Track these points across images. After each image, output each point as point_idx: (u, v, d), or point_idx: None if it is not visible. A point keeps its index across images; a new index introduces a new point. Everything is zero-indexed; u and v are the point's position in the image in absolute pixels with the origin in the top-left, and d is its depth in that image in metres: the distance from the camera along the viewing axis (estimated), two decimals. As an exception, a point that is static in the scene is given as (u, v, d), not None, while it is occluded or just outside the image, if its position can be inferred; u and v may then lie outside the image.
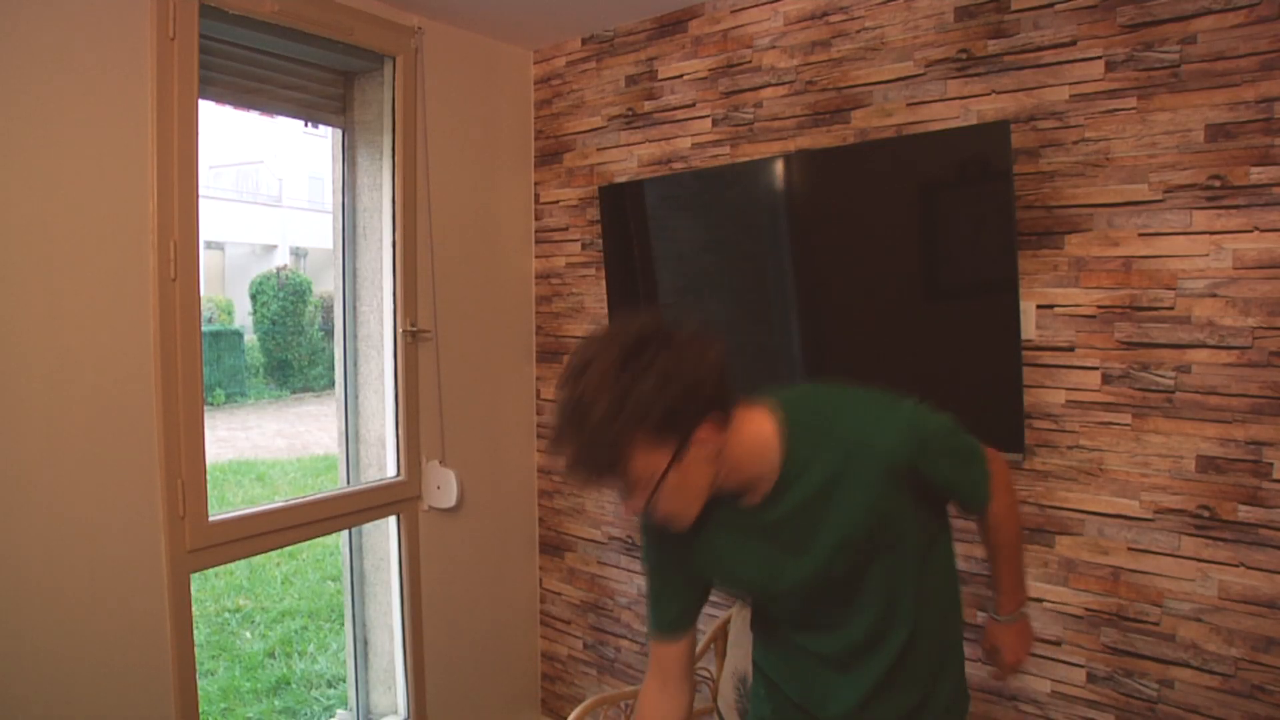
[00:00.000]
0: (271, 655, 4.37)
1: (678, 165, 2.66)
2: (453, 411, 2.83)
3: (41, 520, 1.87)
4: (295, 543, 2.46)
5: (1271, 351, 1.74)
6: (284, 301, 12.91)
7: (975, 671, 1.82)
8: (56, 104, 1.87)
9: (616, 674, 2.98)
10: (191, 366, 2.11)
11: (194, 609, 2.17)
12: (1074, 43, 1.93)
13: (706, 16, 2.57)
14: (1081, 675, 2.01)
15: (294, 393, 12.76)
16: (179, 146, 2.06)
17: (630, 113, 2.78)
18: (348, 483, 2.77)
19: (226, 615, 4.89)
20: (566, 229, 3.00)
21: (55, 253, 1.89)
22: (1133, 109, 1.86)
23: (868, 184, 2.20)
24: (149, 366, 2.04)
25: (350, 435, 2.80)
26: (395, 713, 2.77)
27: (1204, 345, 1.82)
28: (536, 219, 3.10)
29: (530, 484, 3.15)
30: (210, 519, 2.16)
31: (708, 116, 2.59)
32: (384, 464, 2.73)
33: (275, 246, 16.17)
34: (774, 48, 2.43)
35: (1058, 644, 2.03)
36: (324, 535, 2.58)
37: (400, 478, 2.69)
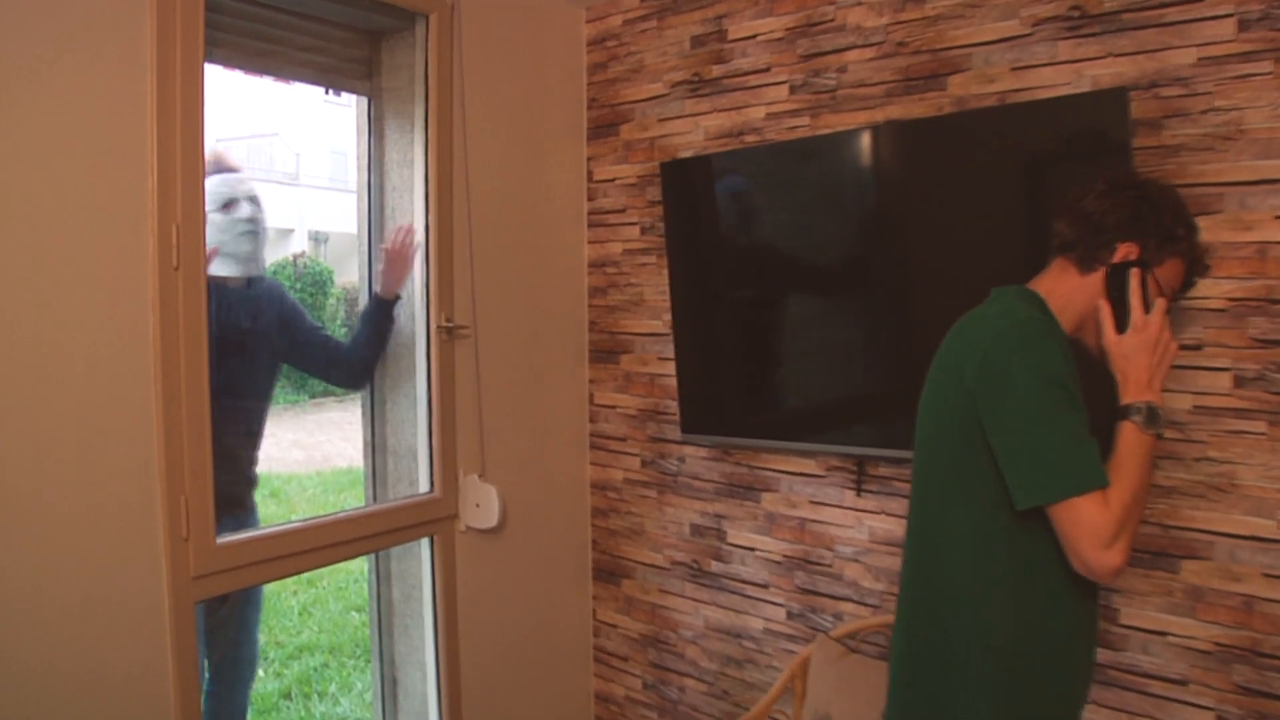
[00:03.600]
0: (287, 696, 4.48)
1: (750, 138, 2.76)
2: (494, 419, 2.91)
3: (26, 543, 1.87)
4: (314, 568, 2.51)
5: None
6: (301, 293, 13.09)
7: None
8: (44, 70, 1.86)
9: (680, 717, 3.07)
10: (196, 367, 2.12)
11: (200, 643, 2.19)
12: (1202, -2, 2.00)
13: (782, -32, 2.66)
14: (1210, 719, 2.09)
15: (313, 398, 12.88)
16: (182, 117, 2.07)
17: (696, 78, 2.88)
18: (374, 500, 2.87)
19: (236, 651, 5.03)
20: (623, 211, 3.11)
21: (43, 238, 1.89)
22: (1269, 74, 1.93)
23: (967, 159, 2.29)
24: (148, 367, 2.05)
25: (377, 446, 2.87)
26: (429, 758, 2.86)
27: (1352, 343, 1.88)
28: (589, 199, 3.21)
29: (582, 501, 3.26)
30: (217, 541, 2.18)
31: (784, 83, 2.68)
32: (415, 479, 2.79)
33: (291, 230, 16.32)
34: (860, 4, 2.52)
35: (1183, 684, 2.10)
36: (347, 560, 2.60)
37: (434, 494, 2.76)
